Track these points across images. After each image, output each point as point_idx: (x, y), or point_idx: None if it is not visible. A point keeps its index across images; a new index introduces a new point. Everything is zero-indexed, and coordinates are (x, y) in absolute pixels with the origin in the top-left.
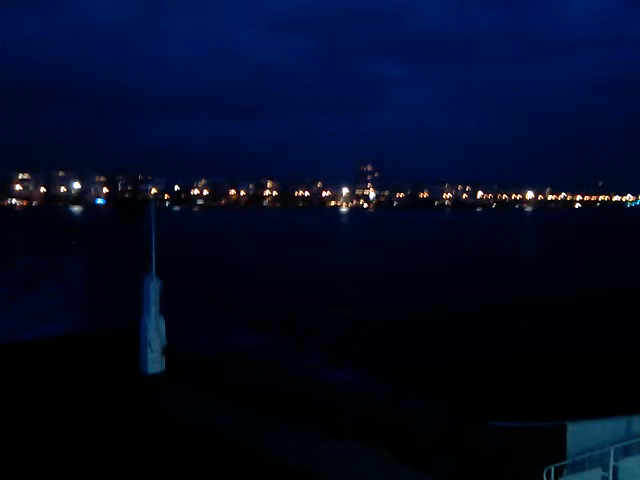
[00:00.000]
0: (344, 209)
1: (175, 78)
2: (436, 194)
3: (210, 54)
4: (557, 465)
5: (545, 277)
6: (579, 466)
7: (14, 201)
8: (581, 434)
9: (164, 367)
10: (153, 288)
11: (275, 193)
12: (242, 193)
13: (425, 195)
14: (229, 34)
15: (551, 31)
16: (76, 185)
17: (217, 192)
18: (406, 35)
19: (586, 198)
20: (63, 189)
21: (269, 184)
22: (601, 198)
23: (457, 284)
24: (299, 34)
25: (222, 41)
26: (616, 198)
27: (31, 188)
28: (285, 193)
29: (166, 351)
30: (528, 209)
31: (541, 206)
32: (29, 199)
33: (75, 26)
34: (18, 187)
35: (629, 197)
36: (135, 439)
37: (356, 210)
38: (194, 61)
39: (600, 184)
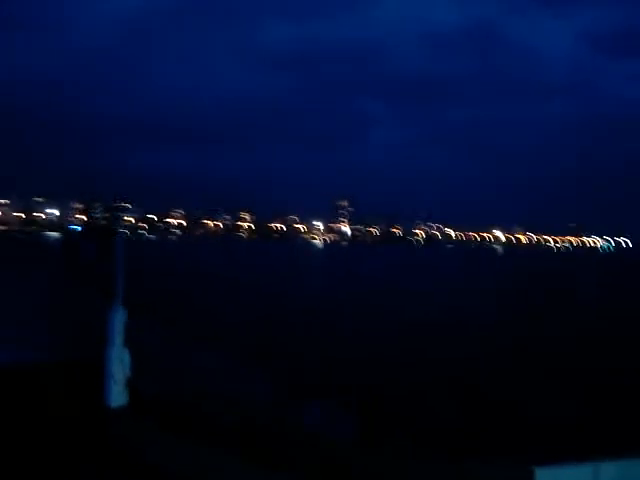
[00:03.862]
0: (318, 243)
1: (156, 106)
2: (408, 230)
3: (194, 85)
4: None
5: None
6: None
7: None
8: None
9: (128, 400)
10: (118, 318)
11: (251, 225)
12: (219, 224)
13: (397, 231)
14: (214, 67)
15: (524, 75)
16: (53, 211)
17: (194, 222)
18: (386, 76)
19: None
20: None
21: (245, 216)
22: (573, 240)
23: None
24: (282, 70)
25: (208, 73)
26: (587, 240)
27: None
28: (261, 225)
29: (130, 383)
30: (498, 247)
31: (511, 245)
32: (7, 224)
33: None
34: None
35: (598, 240)
36: (99, 473)
37: (330, 244)
38: (178, 90)
39: (572, 225)
